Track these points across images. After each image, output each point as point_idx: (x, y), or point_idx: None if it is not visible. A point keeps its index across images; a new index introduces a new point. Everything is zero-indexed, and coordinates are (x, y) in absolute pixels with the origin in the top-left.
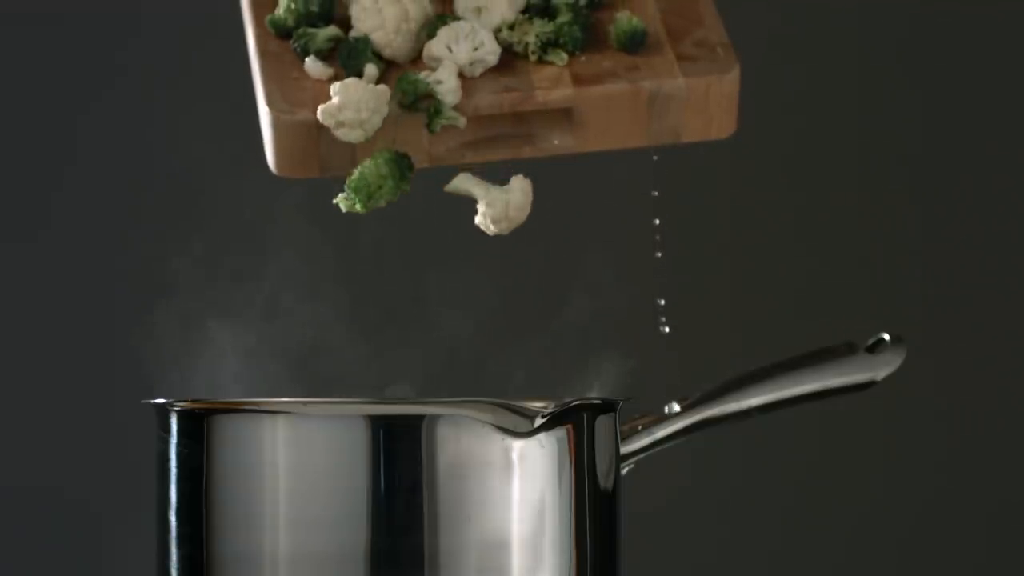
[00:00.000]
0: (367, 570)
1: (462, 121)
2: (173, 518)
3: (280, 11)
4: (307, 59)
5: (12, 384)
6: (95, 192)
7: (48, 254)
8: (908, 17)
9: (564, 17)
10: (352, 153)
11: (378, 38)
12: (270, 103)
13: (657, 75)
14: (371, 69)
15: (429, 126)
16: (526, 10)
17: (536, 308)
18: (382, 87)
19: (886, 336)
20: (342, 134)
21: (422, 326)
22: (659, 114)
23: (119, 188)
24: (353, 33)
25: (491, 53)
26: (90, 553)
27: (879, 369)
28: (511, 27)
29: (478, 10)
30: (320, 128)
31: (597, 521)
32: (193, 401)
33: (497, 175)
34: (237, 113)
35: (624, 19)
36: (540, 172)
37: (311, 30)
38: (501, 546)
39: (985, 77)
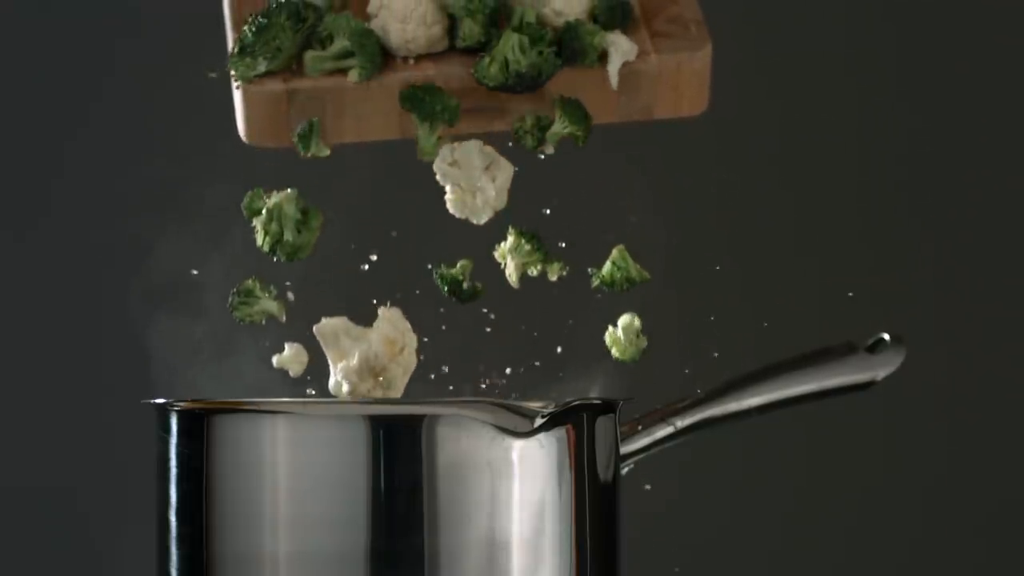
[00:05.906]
0: (367, 570)
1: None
2: (173, 518)
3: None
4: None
5: (12, 384)
6: (93, 189)
7: (47, 253)
8: None
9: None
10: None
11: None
12: None
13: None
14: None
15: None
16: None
17: (531, 306)
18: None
19: (886, 336)
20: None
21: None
22: (630, 91)
23: (117, 186)
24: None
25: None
26: (90, 553)
27: (879, 369)
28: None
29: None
30: (289, 97)
31: (597, 521)
32: (193, 401)
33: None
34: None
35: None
36: (532, 162)
37: (249, 301)
38: (501, 546)
39: (985, 67)
